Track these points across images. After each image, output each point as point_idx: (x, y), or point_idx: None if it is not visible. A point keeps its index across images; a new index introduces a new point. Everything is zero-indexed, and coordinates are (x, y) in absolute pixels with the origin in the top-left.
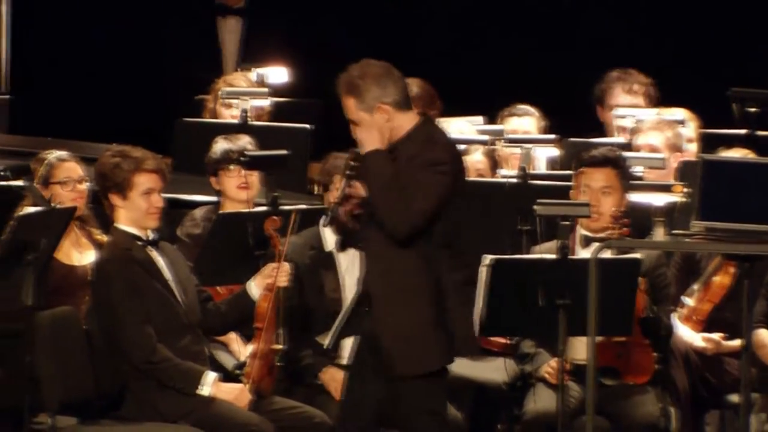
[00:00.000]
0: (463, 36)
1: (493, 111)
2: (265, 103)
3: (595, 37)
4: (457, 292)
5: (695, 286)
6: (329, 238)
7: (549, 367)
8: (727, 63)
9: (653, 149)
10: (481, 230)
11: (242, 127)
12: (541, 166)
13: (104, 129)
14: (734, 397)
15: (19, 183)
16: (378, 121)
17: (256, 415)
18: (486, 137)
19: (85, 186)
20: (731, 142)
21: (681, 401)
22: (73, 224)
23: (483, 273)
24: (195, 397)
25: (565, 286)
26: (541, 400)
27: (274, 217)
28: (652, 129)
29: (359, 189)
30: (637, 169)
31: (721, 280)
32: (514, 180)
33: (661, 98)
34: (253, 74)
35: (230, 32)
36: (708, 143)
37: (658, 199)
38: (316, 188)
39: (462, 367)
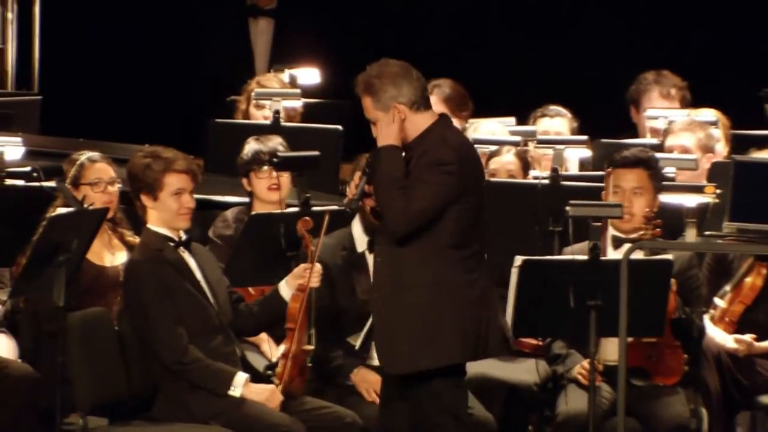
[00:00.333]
0: (495, 36)
1: (524, 112)
2: (297, 104)
3: (625, 38)
4: (467, 293)
5: (727, 288)
6: (361, 239)
7: (580, 368)
8: (758, 63)
9: (685, 150)
10: (512, 231)
11: (274, 128)
12: (572, 167)
13: (137, 130)
14: (766, 399)
15: (51, 184)
16: (392, 122)
17: (287, 416)
18: (518, 138)
19: (115, 187)
20: (762, 143)
21: (712, 402)
22: (105, 225)
23: (514, 274)
24: (226, 398)
25: (596, 287)
26: (573, 402)
27: (306, 218)
28: (683, 130)
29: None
30: (669, 170)
31: (753, 281)
32: (546, 181)
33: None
34: (285, 75)
35: (261, 33)
36: (738, 144)
37: (690, 200)
38: (347, 189)
39: (493, 368)
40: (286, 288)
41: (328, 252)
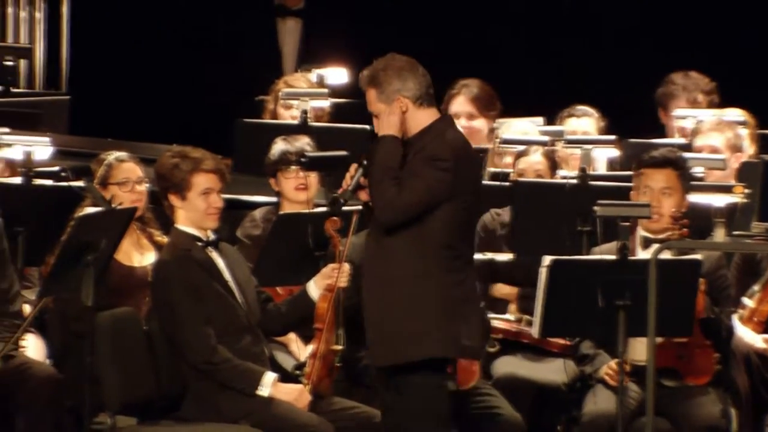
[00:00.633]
0: (522, 37)
1: (551, 112)
2: (325, 104)
3: (654, 38)
4: (453, 292)
5: (755, 287)
6: None
7: (609, 368)
8: None
9: (714, 150)
10: (540, 231)
11: (302, 128)
12: (600, 167)
13: (164, 130)
14: None
15: (79, 184)
16: (395, 112)
17: (316, 416)
18: (546, 138)
19: (143, 187)
20: None
21: (741, 403)
22: (133, 225)
23: (542, 274)
24: (255, 397)
25: (624, 287)
26: (601, 402)
27: (335, 218)
28: (712, 130)
29: None
30: (698, 170)
31: None
32: (574, 181)
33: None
34: (313, 75)
35: (289, 33)
36: (765, 144)
37: (719, 200)
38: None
39: (522, 368)
40: (314, 288)
41: (357, 252)
